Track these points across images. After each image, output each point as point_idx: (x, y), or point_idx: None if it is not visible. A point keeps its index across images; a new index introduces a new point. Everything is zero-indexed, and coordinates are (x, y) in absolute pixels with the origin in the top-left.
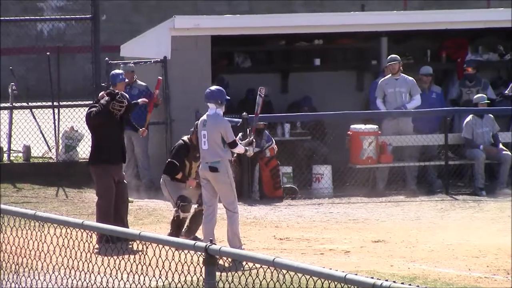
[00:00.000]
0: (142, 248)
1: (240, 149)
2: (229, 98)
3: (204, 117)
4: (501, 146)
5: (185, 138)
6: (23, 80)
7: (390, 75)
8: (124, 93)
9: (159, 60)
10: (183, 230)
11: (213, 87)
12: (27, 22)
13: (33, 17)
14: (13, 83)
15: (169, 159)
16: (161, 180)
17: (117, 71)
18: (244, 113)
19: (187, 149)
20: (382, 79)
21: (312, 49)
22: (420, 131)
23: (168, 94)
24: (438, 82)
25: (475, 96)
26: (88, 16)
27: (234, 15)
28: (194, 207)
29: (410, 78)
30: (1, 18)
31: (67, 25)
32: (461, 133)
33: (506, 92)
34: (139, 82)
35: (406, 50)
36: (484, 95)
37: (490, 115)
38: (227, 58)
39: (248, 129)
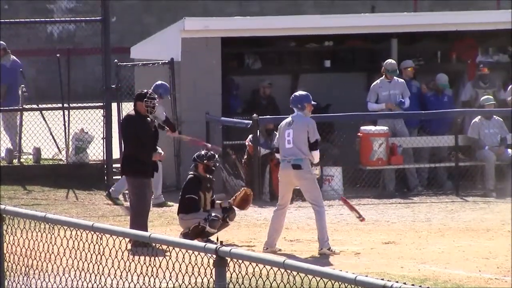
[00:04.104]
0: (169, 251)
1: (316, 154)
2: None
3: (289, 118)
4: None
5: (193, 171)
6: (33, 82)
7: (382, 77)
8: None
9: (166, 61)
10: None
11: (296, 93)
12: (37, 24)
13: (43, 19)
14: (23, 85)
15: (187, 196)
16: (178, 220)
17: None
18: (255, 114)
19: (199, 181)
20: (374, 82)
21: (322, 50)
22: (432, 134)
23: (175, 96)
24: (449, 84)
25: (482, 98)
26: (98, 18)
27: (244, 17)
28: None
29: (401, 80)
30: (12, 20)
31: (77, 27)
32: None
33: None
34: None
35: (416, 52)
36: (491, 97)
37: (499, 118)
38: (237, 59)
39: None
